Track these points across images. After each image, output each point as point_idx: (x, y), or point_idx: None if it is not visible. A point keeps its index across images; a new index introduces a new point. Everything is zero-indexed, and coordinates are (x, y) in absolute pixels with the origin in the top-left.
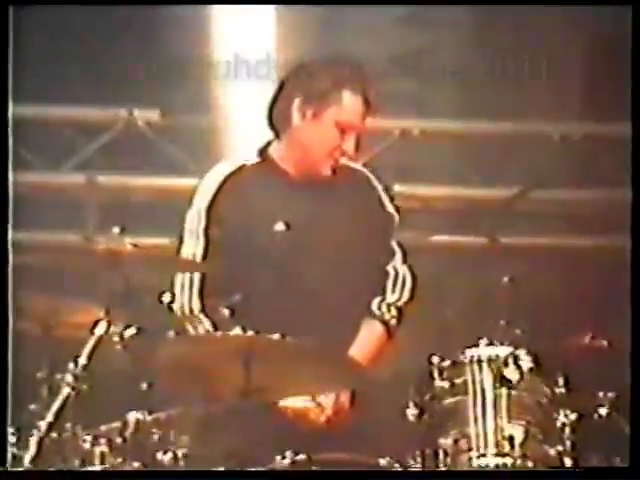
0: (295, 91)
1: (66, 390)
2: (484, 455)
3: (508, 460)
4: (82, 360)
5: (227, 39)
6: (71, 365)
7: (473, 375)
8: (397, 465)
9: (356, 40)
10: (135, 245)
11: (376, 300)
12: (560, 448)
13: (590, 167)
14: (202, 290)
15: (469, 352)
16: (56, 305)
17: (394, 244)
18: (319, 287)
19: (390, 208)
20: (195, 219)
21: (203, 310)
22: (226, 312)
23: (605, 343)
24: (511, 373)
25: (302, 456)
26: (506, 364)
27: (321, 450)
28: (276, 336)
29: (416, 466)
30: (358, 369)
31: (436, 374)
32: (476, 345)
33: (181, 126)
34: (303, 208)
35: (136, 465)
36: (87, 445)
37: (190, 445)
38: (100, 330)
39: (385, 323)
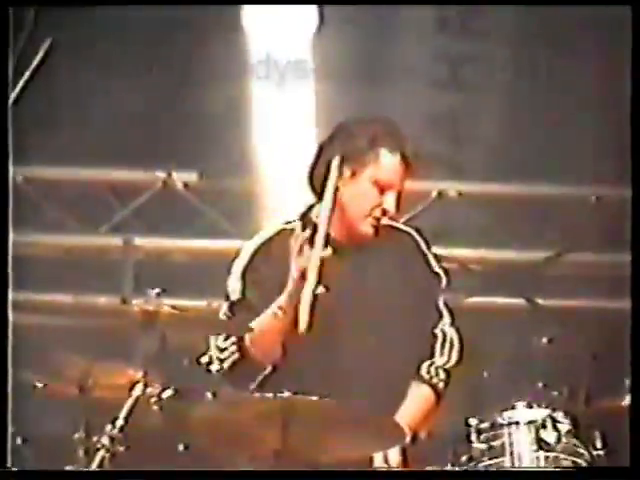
0: (333, 151)
1: (103, 452)
2: None
3: None
4: (119, 422)
5: (265, 100)
6: (108, 427)
7: (511, 437)
8: None
9: (393, 101)
10: (173, 307)
11: (425, 364)
12: None
13: (625, 229)
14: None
15: (507, 414)
16: (93, 367)
17: (442, 306)
18: (361, 350)
19: (437, 269)
20: (232, 283)
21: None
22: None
23: None
24: (549, 435)
25: None
26: (544, 426)
27: None
28: (314, 397)
29: None
30: (398, 431)
31: (473, 436)
32: (514, 407)
33: (219, 188)
34: (345, 270)
35: None
36: None
37: None
38: (137, 391)
39: (433, 387)
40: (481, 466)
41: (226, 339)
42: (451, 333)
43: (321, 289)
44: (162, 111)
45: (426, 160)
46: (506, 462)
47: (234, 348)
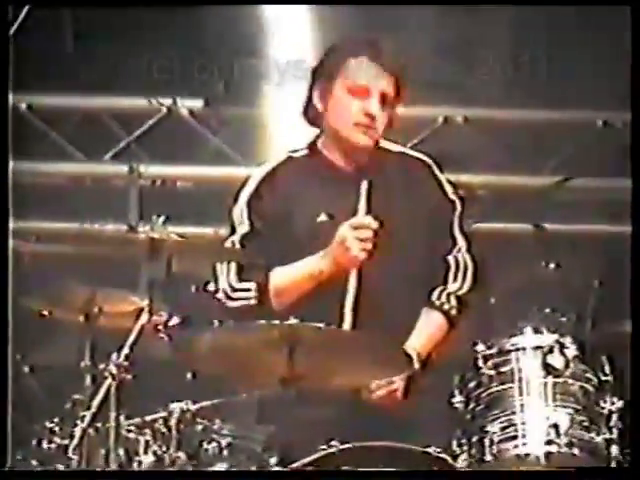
0: (315, 80)
1: (109, 380)
2: (530, 443)
3: (554, 448)
4: (125, 350)
5: (275, 35)
6: (114, 355)
7: (518, 363)
8: (444, 454)
9: (401, 29)
10: (180, 235)
11: (436, 290)
12: (607, 436)
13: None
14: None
15: (514, 340)
16: (99, 295)
17: (457, 232)
18: (373, 279)
19: (452, 195)
20: (238, 211)
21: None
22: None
23: None
24: (556, 360)
25: (348, 445)
26: (551, 351)
27: (367, 438)
28: (321, 324)
29: (462, 454)
30: (405, 360)
31: (481, 362)
32: (521, 333)
33: (225, 116)
34: (351, 199)
35: (181, 455)
36: (131, 435)
37: (234, 434)
38: (143, 320)
39: (445, 313)
40: (489, 392)
41: (241, 280)
42: (465, 259)
43: (324, 217)
44: (168, 38)
45: (433, 87)
46: (514, 388)
47: (252, 294)
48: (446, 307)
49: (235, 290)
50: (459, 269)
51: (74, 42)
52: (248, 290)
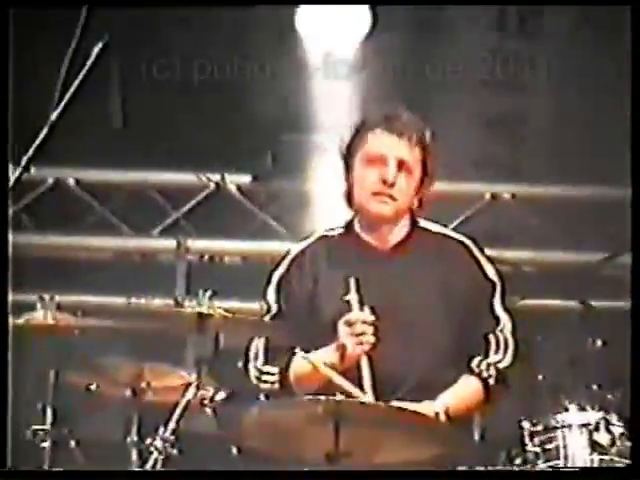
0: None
1: (155, 454)
2: None
3: None
4: (171, 424)
5: (319, 109)
6: (161, 429)
7: (564, 440)
8: None
9: (448, 102)
10: (227, 310)
11: (476, 359)
12: None
13: None
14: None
15: (561, 417)
16: (146, 370)
17: (499, 311)
18: (407, 357)
19: (492, 276)
20: (269, 292)
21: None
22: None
23: None
24: (602, 438)
25: None
26: (597, 429)
27: None
28: (366, 398)
29: None
30: (448, 431)
31: (527, 439)
32: (567, 410)
33: (272, 190)
34: (382, 279)
35: None
36: None
37: None
38: (190, 394)
39: (483, 380)
40: (536, 469)
41: (267, 363)
42: (506, 337)
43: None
44: (215, 115)
45: (481, 163)
46: (560, 464)
47: (275, 378)
48: (485, 375)
49: (262, 373)
50: (499, 346)
51: (123, 118)
52: (272, 374)
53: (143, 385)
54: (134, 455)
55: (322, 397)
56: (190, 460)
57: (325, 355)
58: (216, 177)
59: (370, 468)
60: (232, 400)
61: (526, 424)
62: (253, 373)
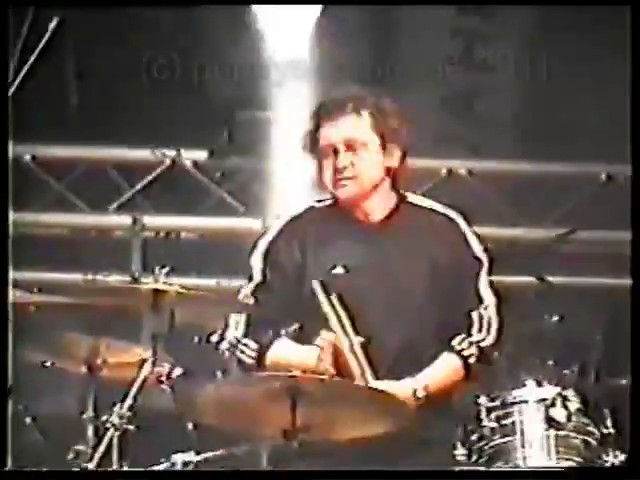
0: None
1: (112, 431)
2: None
3: None
4: (128, 401)
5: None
6: (117, 406)
7: (521, 415)
8: None
9: (407, 80)
10: (183, 287)
11: (459, 337)
12: None
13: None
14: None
15: (516, 392)
16: (102, 345)
17: (484, 290)
18: (389, 332)
19: (479, 253)
20: (254, 260)
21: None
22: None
23: None
24: (559, 413)
25: None
26: (553, 404)
27: None
28: (323, 375)
29: None
30: (405, 409)
31: (484, 415)
32: (524, 385)
33: (229, 167)
34: (369, 252)
35: None
36: None
37: None
38: (146, 371)
39: (464, 359)
40: (491, 444)
41: (246, 336)
42: (490, 316)
43: (340, 270)
44: (171, 91)
45: (438, 140)
46: (516, 441)
47: (252, 353)
48: (466, 353)
49: (238, 343)
50: (482, 324)
51: (77, 94)
52: (249, 348)
53: (99, 361)
54: (90, 431)
55: (279, 373)
56: (146, 436)
57: (305, 355)
58: (172, 153)
59: (327, 444)
60: (189, 376)
61: (483, 400)
62: (229, 341)
